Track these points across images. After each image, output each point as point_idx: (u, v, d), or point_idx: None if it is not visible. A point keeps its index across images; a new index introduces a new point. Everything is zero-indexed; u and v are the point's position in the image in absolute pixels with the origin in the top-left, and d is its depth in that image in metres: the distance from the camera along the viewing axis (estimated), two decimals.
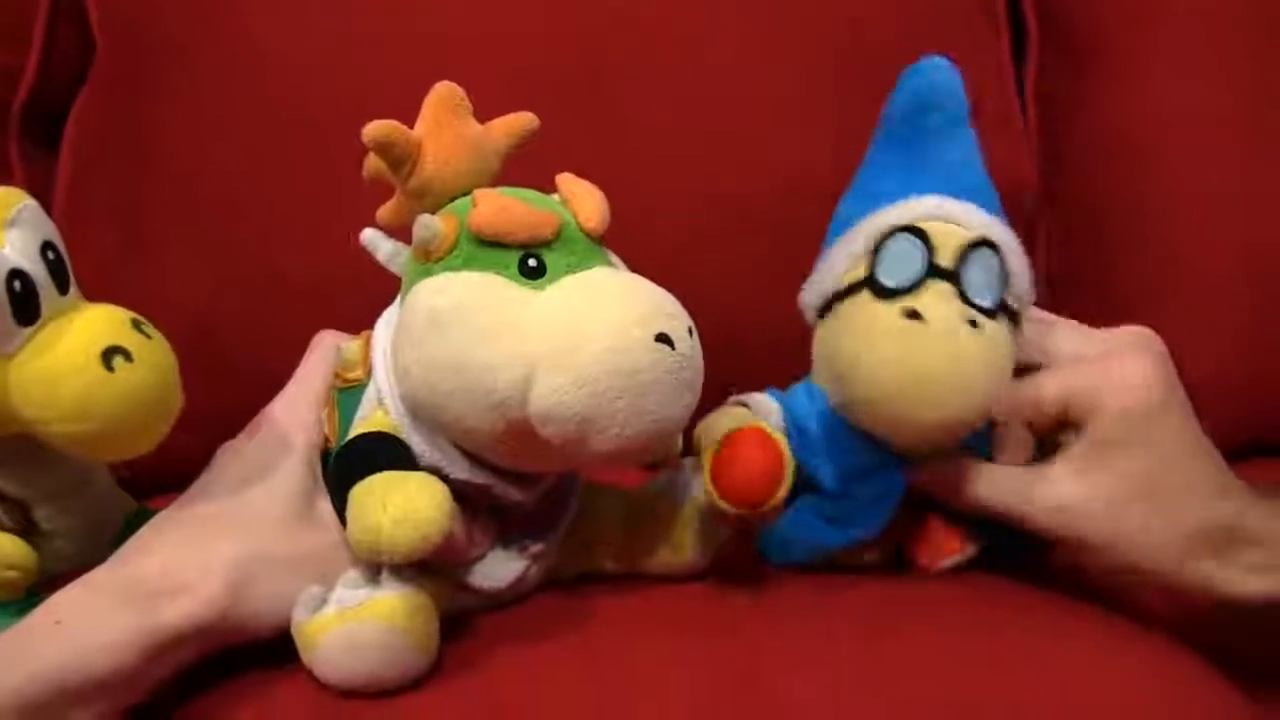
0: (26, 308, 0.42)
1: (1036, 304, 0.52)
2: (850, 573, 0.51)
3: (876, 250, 0.48)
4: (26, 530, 0.46)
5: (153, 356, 0.43)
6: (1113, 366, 0.48)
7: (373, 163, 0.47)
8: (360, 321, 0.50)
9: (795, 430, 0.50)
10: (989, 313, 0.47)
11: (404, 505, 0.42)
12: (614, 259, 0.48)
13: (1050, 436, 0.50)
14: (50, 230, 0.44)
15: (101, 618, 0.42)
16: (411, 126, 0.47)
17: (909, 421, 0.46)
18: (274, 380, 0.51)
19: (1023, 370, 0.49)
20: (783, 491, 0.47)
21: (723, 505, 0.47)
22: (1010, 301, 0.48)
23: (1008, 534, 0.50)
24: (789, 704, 0.43)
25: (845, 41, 0.72)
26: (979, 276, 0.47)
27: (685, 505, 0.51)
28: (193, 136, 0.69)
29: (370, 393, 0.47)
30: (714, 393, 0.51)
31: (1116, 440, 0.47)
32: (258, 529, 0.45)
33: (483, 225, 0.45)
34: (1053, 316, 0.52)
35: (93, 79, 0.71)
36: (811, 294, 0.51)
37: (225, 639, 0.44)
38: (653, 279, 0.46)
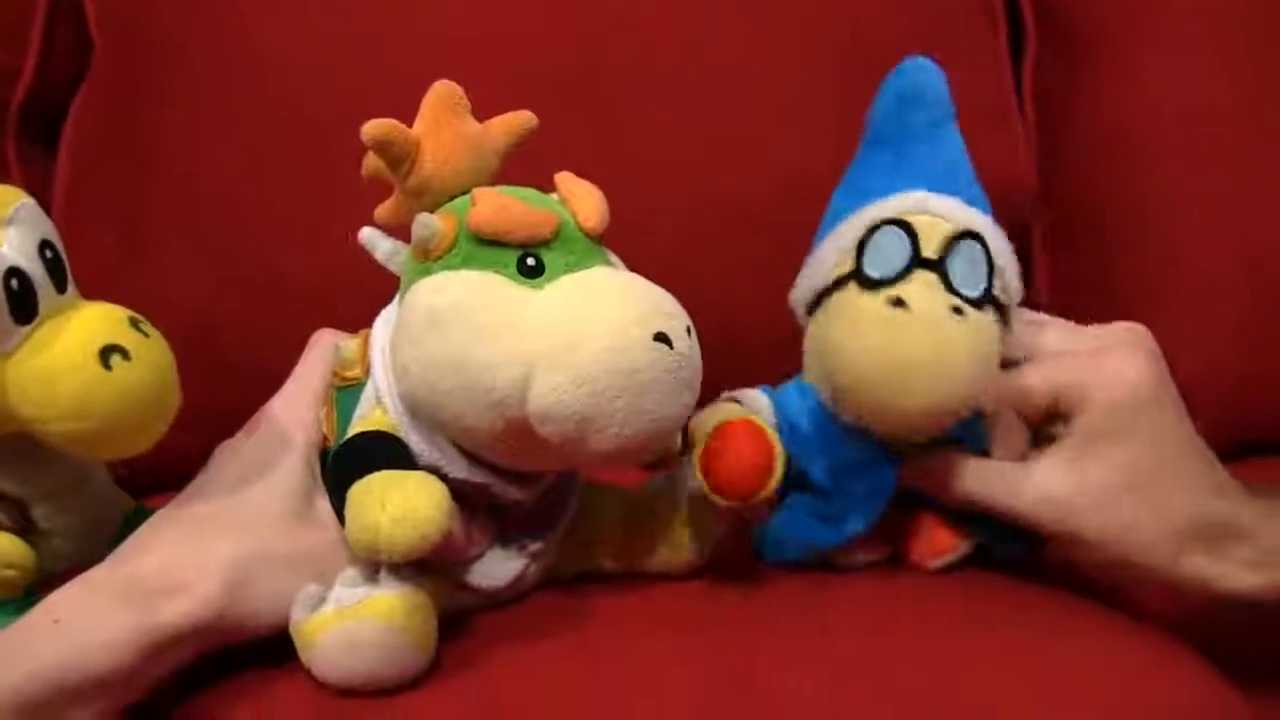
0: (24, 306, 0.42)
1: (1034, 303, 0.52)
2: (846, 571, 0.52)
3: (863, 244, 0.49)
4: (24, 529, 0.46)
5: (150, 355, 0.43)
6: (1103, 361, 0.48)
7: (371, 161, 0.47)
8: (359, 320, 0.50)
9: (787, 427, 0.51)
10: (975, 302, 0.47)
11: (402, 504, 0.42)
12: (613, 258, 0.48)
13: (1042, 428, 0.50)
14: (48, 229, 0.44)
15: (100, 616, 0.41)
16: (411, 126, 0.47)
17: (894, 410, 0.46)
18: (273, 379, 0.50)
19: (1013, 368, 0.50)
20: (773, 483, 0.47)
21: (714, 497, 0.47)
22: (997, 293, 0.49)
23: (1002, 531, 0.50)
24: (786, 702, 0.43)
25: (845, 41, 0.72)
26: (964, 267, 0.48)
27: (684, 504, 0.51)
28: (192, 137, 0.69)
29: (369, 391, 0.47)
30: (713, 392, 0.51)
31: (1105, 433, 0.47)
32: (256, 528, 0.45)
33: (481, 224, 0.45)
34: (1044, 317, 0.52)
35: (91, 79, 0.71)
36: (801, 291, 0.51)
37: (223, 638, 0.44)
38: (653, 279, 0.46)
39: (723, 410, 0.50)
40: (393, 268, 0.48)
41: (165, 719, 0.44)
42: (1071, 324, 0.52)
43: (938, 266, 0.47)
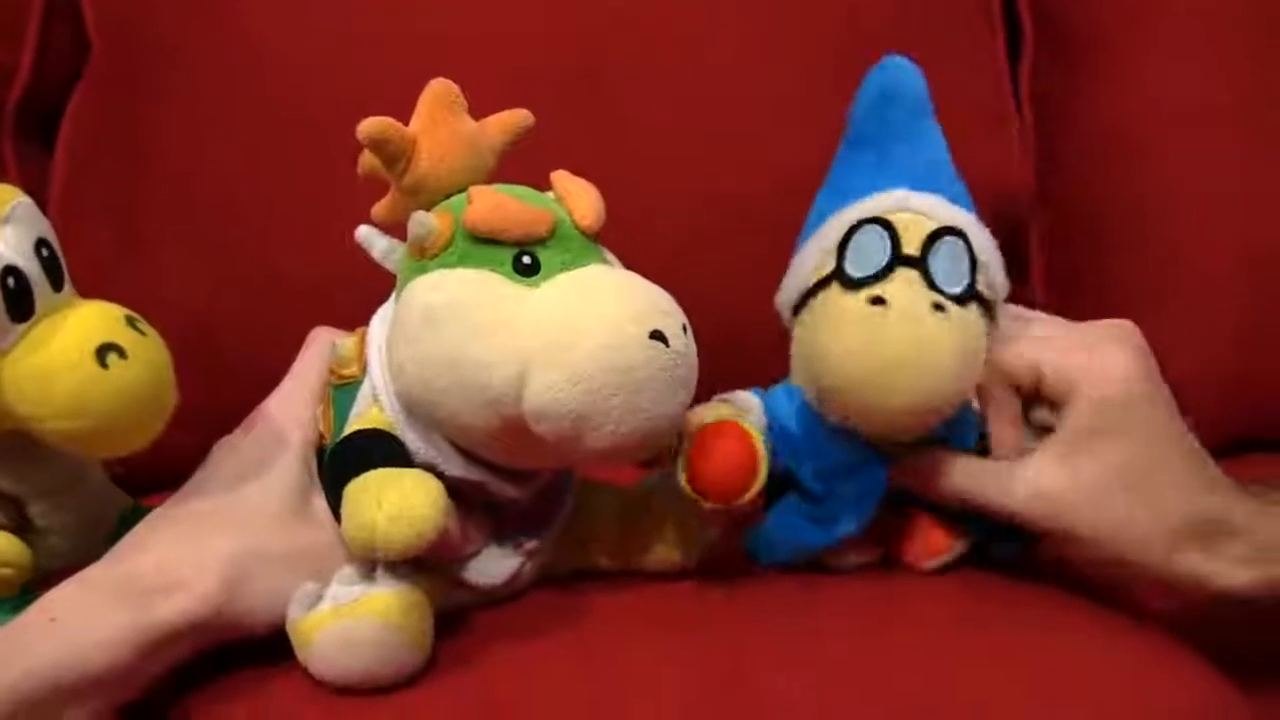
0: (20, 304, 0.42)
1: (1031, 304, 0.52)
2: (839, 573, 0.52)
3: (844, 244, 0.49)
4: (21, 527, 0.46)
5: (147, 353, 0.43)
6: (1093, 357, 0.48)
7: (367, 159, 0.48)
8: (356, 319, 0.50)
9: (777, 429, 0.51)
10: (958, 299, 0.47)
11: (399, 502, 0.42)
12: (609, 256, 0.48)
13: (1029, 412, 0.50)
14: (44, 227, 0.44)
15: (96, 615, 0.42)
16: (407, 124, 0.47)
17: (878, 409, 0.46)
18: (270, 377, 0.51)
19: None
20: (756, 485, 0.47)
21: (697, 499, 0.47)
22: (982, 289, 0.48)
23: (995, 531, 0.50)
24: (778, 702, 0.43)
25: (844, 41, 0.72)
26: (946, 264, 0.48)
27: (679, 503, 0.50)
28: (189, 135, 0.69)
29: (365, 389, 0.47)
30: (713, 392, 0.51)
31: (1097, 429, 0.47)
32: (253, 526, 0.45)
33: (477, 222, 0.45)
34: (1031, 312, 0.52)
35: (88, 77, 0.71)
36: (785, 294, 0.51)
37: (220, 636, 0.44)
38: (652, 279, 0.46)
39: (710, 412, 0.50)
40: (389, 266, 0.48)
41: (162, 718, 0.44)
42: (1060, 319, 0.52)
43: (919, 264, 0.47)
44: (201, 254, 0.68)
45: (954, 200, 0.50)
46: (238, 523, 0.45)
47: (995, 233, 0.51)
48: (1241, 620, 0.49)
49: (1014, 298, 0.51)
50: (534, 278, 0.45)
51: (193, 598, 0.43)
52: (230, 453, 0.48)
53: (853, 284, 0.47)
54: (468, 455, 0.46)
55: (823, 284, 0.49)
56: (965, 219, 0.49)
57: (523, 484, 0.48)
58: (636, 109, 0.70)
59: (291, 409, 0.49)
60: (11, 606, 0.43)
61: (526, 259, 0.45)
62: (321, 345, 0.51)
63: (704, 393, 0.50)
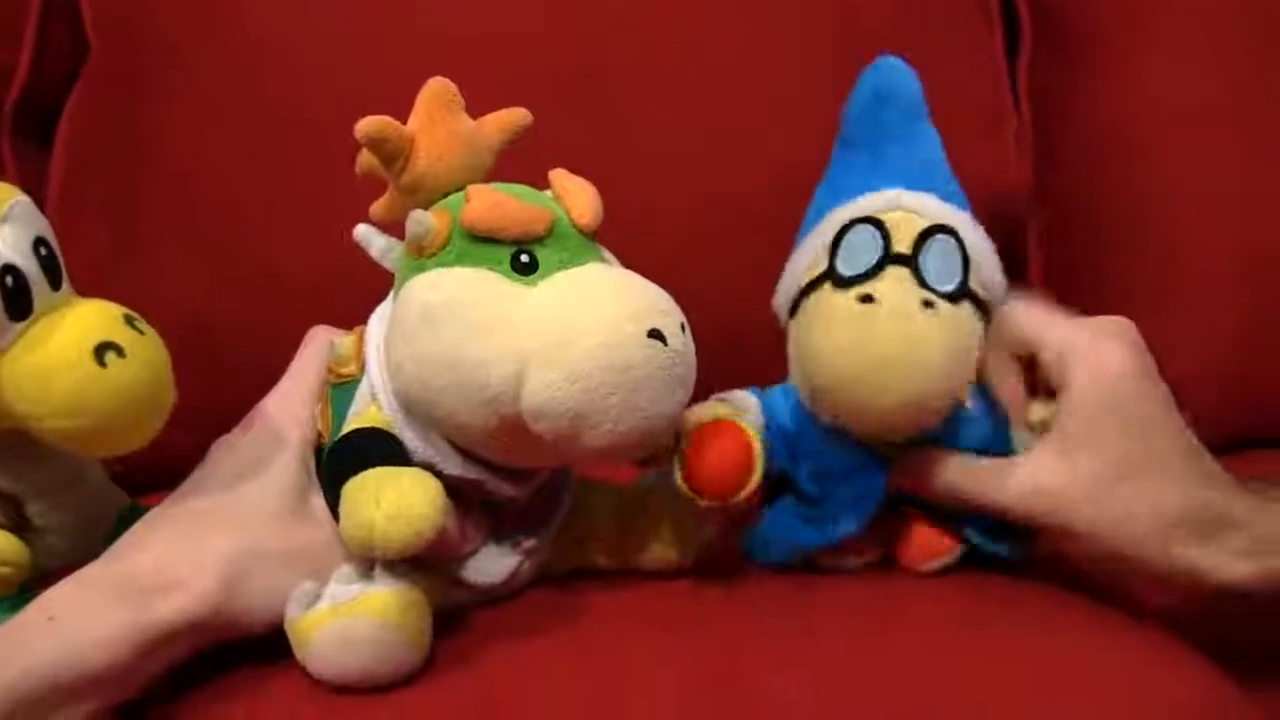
0: (19, 303, 0.42)
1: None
2: (837, 573, 0.52)
3: (836, 243, 0.49)
4: (19, 526, 0.46)
5: (145, 352, 0.43)
6: (1090, 351, 0.48)
7: (365, 158, 0.48)
8: (354, 318, 0.50)
9: (774, 429, 0.51)
10: (950, 297, 0.47)
11: (397, 501, 0.42)
12: (607, 255, 0.48)
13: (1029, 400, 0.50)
14: (43, 226, 0.44)
15: (95, 613, 0.41)
16: (405, 123, 0.47)
17: (870, 408, 0.46)
18: (268, 376, 0.51)
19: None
20: (752, 483, 0.47)
21: (694, 497, 0.48)
22: (974, 288, 0.48)
23: (993, 530, 0.50)
24: (775, 701, 0.43)
25: (843, 41, 0.72)
26: (938, 262, 0.48)
27: (677, 502, 0.50)
28: (187, 134, 0.70)
29: (363, 388, 0.47)
30: (709, 393, 0.51)
31: (1094, 424, 0.47)
32: (251, 524, 0.45)
33: (475, 221, 0.45)
34: (1027, 301, 0.52)
35: (86, 76, 0.72)
36: (781, 296, 0.51)
37: (218, 635, 0.44)
38: (652, 278, 0.46)
39: (707, 410, 0.50)
40: (387, 265, 0.48)
41: (160, 717, 0.44)
42: (1056, 309, 0.52)
43: (910, 262, 0.47)
44: (200, 253, 0.68)
45: (948, 199, 0.50)
46: (236, 522, 0.45)
47: (993, 231, 0.51)
48: (1241, 615, 0.49)
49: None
50: (532, 276, 0.45)
51: (191, 597, 0.42)
52: (228, 452, 0.48)
53: (844, 282, 0.47)
54: (466, 454, 0.46)
55: (815, 283, 0.49)
56: (958, 217, 0.49)
57: (521, 483, 0.48)
58: (636, 109, 0.70)
59: (290, 408, 0.49)
60: (10, 605, 0.43)
61: (524, 258, 0.45)
62: (319, 344, 0.51)
63: (702, 393, 0.50)
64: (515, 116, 0.49)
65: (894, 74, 0.50)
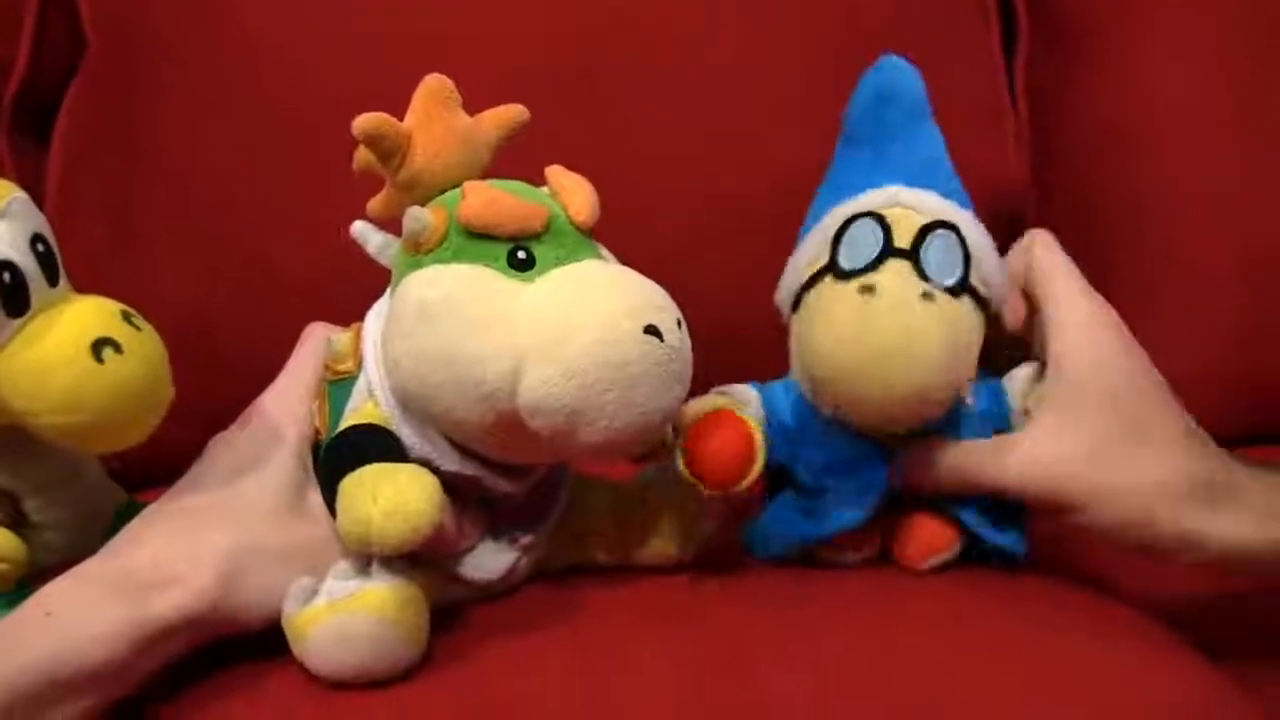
0: (16, 299, 0.42)
1: None
2: (837, 568, 0.52)
3: (837, 237, 0.49)
4: (16, 522, 0.46)
5: (143, 348, 0.43)
6: (1077, 330, 0.49)
7: (362, 155, 0.48)
8: (352, 314, 0.50)
9: (774, 423, 0.51)
10: (949, 290, 0.47)
11: (394, 497, 0.42)
12: (604, 252, 0.48)
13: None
14: (40, 222, 0.44)
15: (92, 609, 0.42)
16: (402, 120, 0.47)
17: (870, 400, 0.46)
18: (265, 373, 0.51)
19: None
20: (754, 471, 0.47)
21: (696, 486, 0.48)
22: (975, 283, 0.49)
23: (994, 522, 0.50)
24: (774, 696, 0.43)
25: (844, 41, 0.72)
26: (938, 256, 0.48)
27: (675, 496, 0.51)
28: (184, 130, 0.69)
29: (360, 385, 0.47)
30: (709, 391, 0.51)
31: (1087, 394, 0.47)
32: (248, 520, 0.45)
33: (472, 217, 0.45)
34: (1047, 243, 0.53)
35: (84, 72, 0.72)
36: (783, 291, 0.51)
37: (215, 630, 0.44)
38: (652, 278, 0.46)
39: (708, 401, 0.50)
40: (384, 261, 0.48)
41: (157, 713, 0.44)
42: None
43: (910, 255, 0.48)
44: (197, 250, 0.68)
45: (949, 196, 0.50)
46: (233, 518, 0.45)
47: (992, 229, 0.51)
48: (1240, 615, 0.49)
49: None
50: (528, 273, 0.45)
51: (188, 593, 0.43)
52: (226, 448, 0.48)
53: (844, 275, 0.48)
54: (463, 450, 0.46)
55: (817, 277, 0.49)
56: (959, 214, 0.49)
57: (518, 479, 0.48)
58: (636, 109, 0.70)
59: (287, 404, 0.49)
60: (7, 601, 0.43)
61: (521, 254, 0.45)
62: (317, 341, 0.51)
63: (701, 392, 0.50)
64: (512, 113, 0.49)
65: (897, 74, 0.51)
